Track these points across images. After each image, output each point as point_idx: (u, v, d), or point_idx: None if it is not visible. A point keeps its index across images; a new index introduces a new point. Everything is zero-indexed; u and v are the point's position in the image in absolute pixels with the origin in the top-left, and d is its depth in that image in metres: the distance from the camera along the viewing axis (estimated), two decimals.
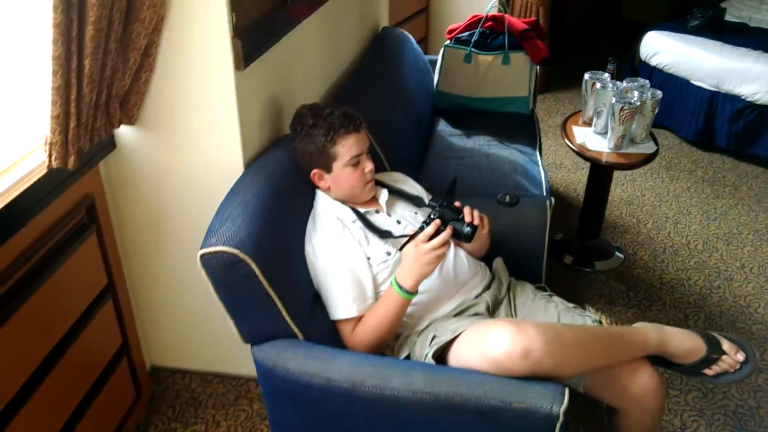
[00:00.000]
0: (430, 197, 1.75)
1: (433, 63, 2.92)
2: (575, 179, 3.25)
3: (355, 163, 1.56)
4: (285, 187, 1.54)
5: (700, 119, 3.51)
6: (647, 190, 3.15)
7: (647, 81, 2.39)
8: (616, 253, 2.66)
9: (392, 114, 2.28)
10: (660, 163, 3.42)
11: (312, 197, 1.63)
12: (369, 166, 1.59)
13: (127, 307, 1.74)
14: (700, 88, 3.49)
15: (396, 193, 1.69)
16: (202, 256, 1.30)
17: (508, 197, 1.87)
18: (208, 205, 1.46)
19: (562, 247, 2.69)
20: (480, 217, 1.50)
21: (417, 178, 2.31)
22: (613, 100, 2.21)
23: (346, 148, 1.54)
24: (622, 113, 2.20)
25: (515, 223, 1.84)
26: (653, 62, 3.75)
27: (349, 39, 2.45)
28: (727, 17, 3.88)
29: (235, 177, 1.52)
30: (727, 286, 2.48)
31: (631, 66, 4.02)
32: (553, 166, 3.40)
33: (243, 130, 1.54)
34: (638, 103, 2.21)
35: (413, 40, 2.93)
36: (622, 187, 3.15)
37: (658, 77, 3.75)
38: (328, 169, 1.56)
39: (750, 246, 2.72)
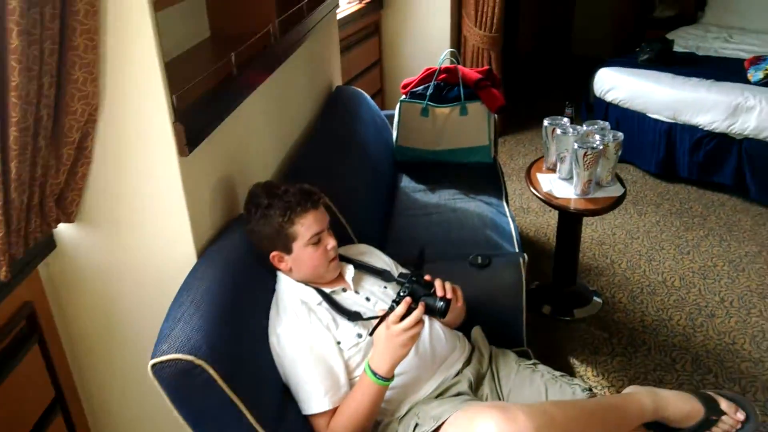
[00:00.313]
0: (400, 270, 1.67)
1: (391, 118, 2.88)
2: (544, 222, 3.20)
3: (317, 241, 1.47)
4: (243, 275, 1.44)
5: (661, 151, 3.53)
6: (617, 228, 3.11)
7: (607, 123, 2.37)
8: (594, 297, 2.60)
9: (353, 176, 2.21)
10: (627, 198, 3.37)
11: (273, 280, 1.53)
12: (331, 242, 1.49)
13: (81, 420, 1.59)
14: (657, 120, 3.52)
15: (363, 268, 1.60)
16: (153, 366, 1.18)
17: (480, 258, 1.79)
18: (162, 302, 1.34)
19: (539, 297, 2.61)
20: (453, 288, 1.42)
21: (385, 240, 2.25)
22: (576, 146, 2.17)
23: (305, 227, 1.45)
24: (585, 158, 2.16)
25: (490, 286, 1.76)
26: (608, 98, 3.77)
27: (302, 103, 2.39)
28: (676, 48, 3.94)
29: (188, 269, 1.41)
30: (710, 323, 2.42)
31: (586, 103, 4.05)
32: (521, 210, 3.35)
33: (193, 218, 1.44)
34: (601, 147, 2.18)
35: (368, 97, 2.89)
36: (592, 227, 3.11)
37: (615, 112, 3.77)
38: (287, 250, 1.46)
39: (726, 278, 2.68)
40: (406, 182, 2.71)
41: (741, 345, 2.30)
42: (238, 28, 1.95)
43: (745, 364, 2.21)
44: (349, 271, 1.55)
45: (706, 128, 3.31)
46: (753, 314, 2.45)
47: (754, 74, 3.33)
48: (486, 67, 2.81)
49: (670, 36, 4.37)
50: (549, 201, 2.27)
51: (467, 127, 2.72)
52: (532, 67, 5.40)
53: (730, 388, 2.11)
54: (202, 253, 1.47)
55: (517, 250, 2.11)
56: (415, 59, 4.14)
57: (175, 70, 1.54)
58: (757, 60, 3.45)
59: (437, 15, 4.04)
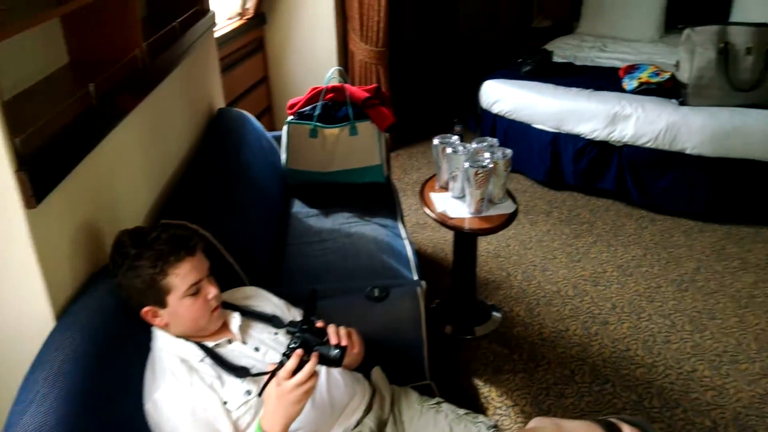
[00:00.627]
0: (292, 311, 1.55)
1: (279, 139, 2.76)
2: (441, 237, 3.19)
3: (195, 291, 1.32)
4: (110, 337, 1.27)
5: (547, 160, 3.62)
6: (511, 239, 3.15)
7: (495, 140, 2.37)
8: (494, 313, 2.59)
9: (238, 207, 2.07)
10: (518, 208, 3.45)
11: (149, 336, 1.37)
12: (212, 291, 1.36)
13: None
14: (542, 130, 3.61)
15: (250, 314, 1.47)
16: None
17: (376, 291, 1.71)
18: (14, 381, 1.15)
19: (440, 316, 2.58)
20: (348, 333, 1.32)
21: (278, 273, 2.12)
22: (466, 165, 2.15)
23: (181, 277, 1.30)
24: (477, 177, 2.14)
25: (388, 320, 1.68)
26: (494, 110, 3.84)
27: (180, 130, 2.21)
28: (555, 59, 4.08)
29: (45, 336, 1.22)
30: (604, 331, 2.48)
31: (474, 114, 4.10)
32: (418, 226, 3.32)
33: (48, 275, 1.25)
34: (491, 165, 2.17)
35: (253, 119, 2.74)
36: (487, 240, 3.12)
37: (502, 123, 3.84)
38: (162, 304, 1.31)
39: (616, 283, 2.77)
40: (299, 207, 2.59)
41: (635, 351, 2.36)
42: (101, 52, 1.76)
43: (640, 370, 2.26)
44: (235, 319, 1.42)
45: (588, 137, 3.43)
46: (643, 318, 2.54)
47: (629, 83, 3.49)
48: (374, 85, 2.75)
49: (549, 47, 4.52)
50: (444, 222, 2.23)
51: (358, 147, 2.65)
52: (420, 79, 5.43)
53: (627, 396, 2.15)
54: (62, 315, 1.29)
55: (415, 276, 2.05)
56: (303, 75, 4.03)
57: (21, 107, 1.35)
58: (630, 69, 3.62)
59: (322, 30, 3.95)
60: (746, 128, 3.07)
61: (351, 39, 4.01)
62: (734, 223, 3.21)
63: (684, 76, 3.25)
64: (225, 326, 1.41)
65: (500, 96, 3.78)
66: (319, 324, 1.29)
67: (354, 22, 3.94)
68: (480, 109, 4.02)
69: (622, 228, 3.23)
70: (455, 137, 2.42)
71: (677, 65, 3.34)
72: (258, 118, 3.85)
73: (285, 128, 2.65)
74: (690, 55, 3.20)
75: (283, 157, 2.67)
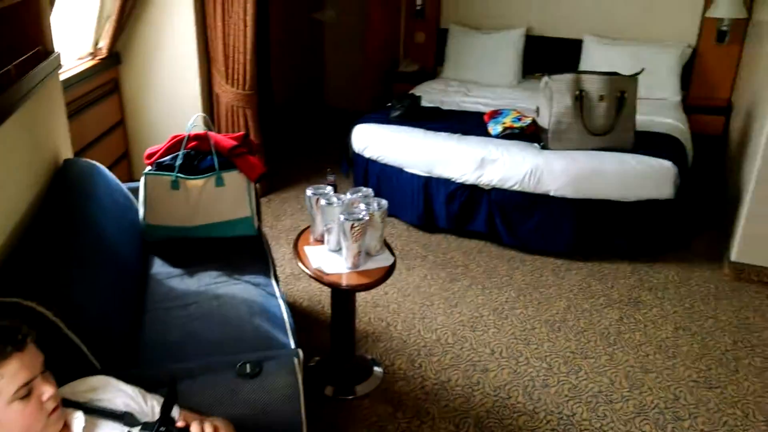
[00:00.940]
0: (149, 400, 1.35)
1: (137, 191, 2.51)
2: (317, 288, 3.05)
3: (26, 393, 1.11)
4: None
5: (420, 204, 3.63)
6: (389, 286, 3.09)
7: (370, 190, 2.30)
8: (375, 368, 2.49)
9: (86, 275, 1.82)
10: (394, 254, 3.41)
11: None
12: (48, 390, 1.14)
13: None
14: (414, 174, 3.62)
15: (96, 412, 1.25)
16: None
17: (248, 366, 1.55)
18: None
19: (320, 375, 2.43)
20: (214, 429, 1.16)
21: (136, 348, 1.88)
22: (342, 218, 2.06)
23: (7, 378, 1.09)
24: (353, 231, 2.05)
25: (263, 399, 1.51)
26: (366, 154, 3.81)
27: (16, 189, 1.93)
28: (423, 103, 4.14)
29: None
30: (485, 378, 2.45)
31: (346, 158, 4.05)
32: (292, 277, 3.17)
33: None
34: (367, 218, 2.09)
35: (105, 171, 2.48)
36: None
37: (375, 167, 3.81)
38: None
39: (493, 327, 2.78)
40: (159, 267, 2.36)
41: (516, 398, 2.35)
42: None
43: (523, 419, 2.25)
44: (78, 420, 1.20)
45: (458, 180, 3.48)
46: (521, 363, 2.55)
47: (494, 128, 3.59)
48: (241, 132, 2.60)
49: (416, 91, 4.60)
50: (320, 278, 2.11)
51: (225, 198, 2.47)
52: (290, 121, 5.33)
53: None
54: None
55: (291, 341, 1.90)
56: (164, 118, 3.79)
57: None
58: (495, 114, 3.74)
59: (184, 71, 3.75)
60: (602, 170, 3.25)
61: (216, 81, 3.84)
62: (597, 260, 3.37)
63: (544, 121, 3.40)
64: (66, 429, 1.19)
65: (371, 140, 3.76)
66: (180, 424, 1.12)
67: (219, 63, 3.78)
68: (352, 152, 3.97)
69: (495, 270, 3.28)
70: (329, 188, 2.32)
71: (537, 111, 3.49)
72: (114, 165, 3.57)
73: (142, 180, 2.42)
74: (549, 101, 3.35)
75: (141, 211, 2.44)
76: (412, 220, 3.70)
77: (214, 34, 3.72)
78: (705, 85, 4.58)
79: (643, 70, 3.50)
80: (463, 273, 3.24)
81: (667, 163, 3.21)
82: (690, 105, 4.38)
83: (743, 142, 3.57)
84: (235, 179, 2.48)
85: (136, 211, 2.48)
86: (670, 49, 4.44)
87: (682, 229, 3.47)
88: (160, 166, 2.45)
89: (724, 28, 4.38)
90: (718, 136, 4.38)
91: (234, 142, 2.51)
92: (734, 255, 3.17)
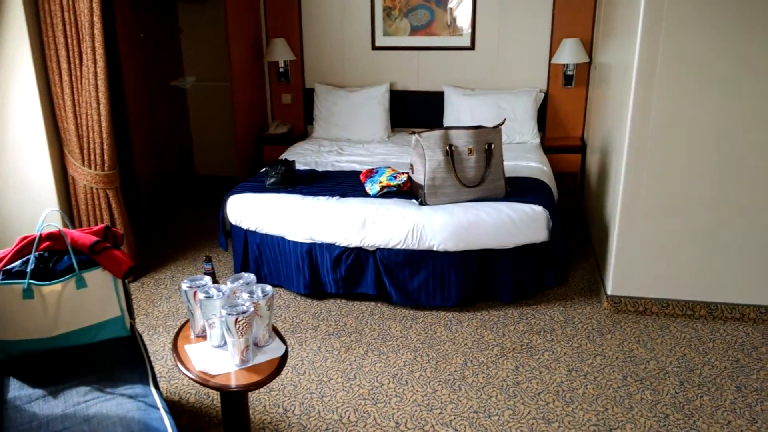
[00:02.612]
0: None
1: None
2: None
3: None
4: None
5: (306, 272, 3.52)
6: None
7: (252, 276, 2.17)
8: None
9: None
10: (283, 327, 3.27)
11: None
12: None
13: None
14: (297, 242, 3.51)
15: None
16: None
17: None
18: None
19: None
20: None
21: None
22: (224, 313, 1.91)
23: None
24: (238, 325, 1.91)
25: None
26: (244, 226, 3.65)
27: None
28: (298, 166, 4.07)
29: None
30: None
31: (223, 231, 3.87)
32: (175, 370, 2.92)
33: None
34: (252, 310, 1.95)
35: None
36: None
37: (254, 238, 3.66)
38: None
39: (395, 396, 2.69)
40: (17, 390, 2.06)
41: None
42: None
43: None
44: None
45: (342, 244, 3.41)
46: None
47: (371, 187, 3.58)
48: (101, 225, 2.38)
49: (289, 153, 4.54)
50: (205, 382, 1.93)
51: (89, 301, 2.23)
52: (158, 195, 5.05)
53: None
54: None
55: None
56: (14, 210, 3.46)
57: None
58: (370, 173, 3.73)
59: (33, 155, 3.44)
60: (479, 221, 3.31)
61: (70, 163, 3.55)
62: (486, 309, 3.41)
63: (419, 177, 3.44)
64: None
65: (248, 211, 3.62)
66: None
67: (72, 144, 3.50)
68: (228, 225, 3.80)
69: (389, 332, 3.22)
70: (206, 278, 2.16)
71: (412, 168, 3.53)
72: None
73: None
74: (421, 158, 3.39)
75: None
76: (299, 289, 3.57)
77: (64, 113, 3.45)
78: (559, 126, 4.89)
79: (504, 120, 3.66)
80: (357, 340, 3.15)
81: (538, 208, 3.34)
82: (548, 146, 4.65)
83: (602, 177, 3.81)
84: (99, 278, 2.25)
85: None
86: (524, 95, 4.71)
87: (559, 268, 3.62)
88: (8, 274, 2.17)
89: (570, 73, 4.73)
90: (576, 173, 4.67)
91: (94, 238, 2.28)
92: (610, 289, 3.33)
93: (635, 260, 3.25)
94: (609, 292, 3.35)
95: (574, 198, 4.73)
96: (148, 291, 3.71)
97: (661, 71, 2.93)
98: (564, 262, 3.59)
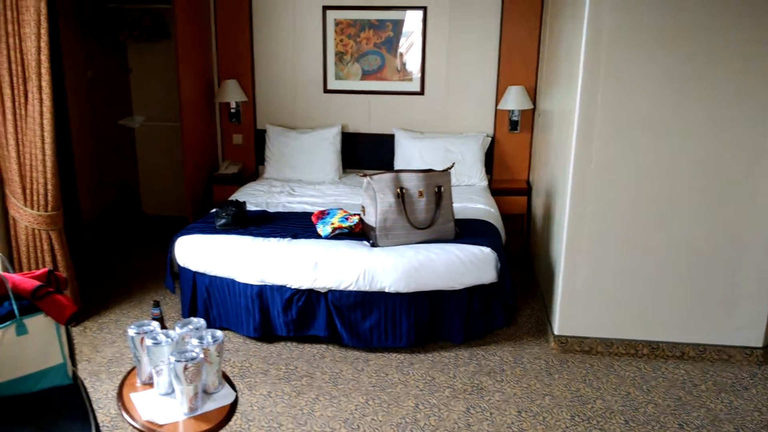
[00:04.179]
0: None
1: None
2: None
3: None
4: None
5: (256, 314, 3.47)
6: None
7: (202, 321, 2.14)
8: None
9: None
10: (232, 372, 3.20)
11: None
12: None
13: None
14: (247, 284, 3.47)
15: None
16: None
17: None
18: None
19: None
20: None
21: None
22: (173, 360, 1.87)
23: None
24: (187, 372, 1.87)
25: None
26: (193, 268, 3.60)
27: None
28: (249, 207, 4.04)
29: None
30: None
31: (170, 272, 3.79)
32: (119, 419, 2.82)
33: None
34: (202, 356, 1.92)
35: None
36: None
37: (203, 279, 3.61)
38: None
39: None
40: None
41: None
42: None
43: None
44: None
45: (293, 286, 3.40)
46: None
47: (323, 229, 3.59)
48: (44, 269, 2.31)
49: (240, 193, 4.52)
50: None
51: (30, 348, 2.15)
52: (103, 236, 4.93)
53: None
54: None
55: None
56: None
57: None
58: (322, 215, 3.75)
59: None
60: (430, 262, 3.36)
61: (11, 204, 3.45)
62: (437, 350, 3.44)
63: (371, 219, 3.47)
64: None
65: (197, 253, 3.57)
66: None
67: (14, 184, 3.41)
68: (176, 266, 3.73)
69: (341, 375, 3.20)
70: (154, 323, 2.12)
71: (363, 210, 3.56)
72: None
73: None
74: (373, 201, 3.44)
75: None
76: (249, 332, 3.52)
77: (6, 153, 3.37)
78: (506, 169, 5.04)
79: (453, 165, 3.76)
80: (308, 384, 3.11)
81: (486, 250, 3.42)
82: (495, 188, 4.78)
83: (547, 220, 3.94)
84: (40, 324, 2.18)
85: None
86: (472, 139, 4.85)
87: (507, 308, 3.68)
88: None
89: (515, 119, 4.90)
90: (523, 215, 4.80)
91: (36, 282, 2.21)
92: (557, 329, 3.41)
93: (579, 300, 3.34)
94: (556, 332, 3.43)
95: (520, 239, 4.85)
96: (91, 336, 3.59)
97: (601, 119, 3.08)
98: (512, 302, 3.66)
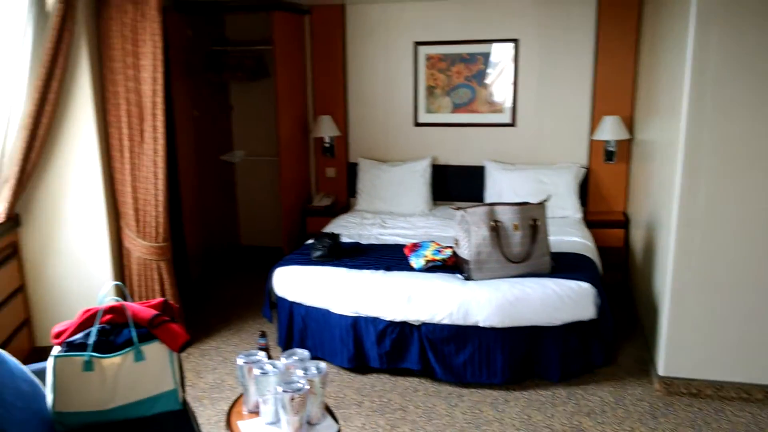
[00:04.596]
0: None
1: (41, 373, 2.27)
2: None
3: None
4: None
5: (350, 345, 3.52)
6: None
7: (306, 352, 2.20)
8: None
9: None
10: (327, 402, 3.24)
11: None
12: None
13: None
14: (341, 315, 3.53)
15: None
16: None
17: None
18: None
19: None
20: None
21: None
22: (280, 390, 1.93)
23: None
24: (293, 403, 1.93)
25: None
26: (290, 298, 3.71)
27: None
28: (342, 238, 4.13)
29: None
30: None
31: (269, 302, 3.92)
32: None
33: None
34: (307, 388, 1.97)
35: (6, 357, 2.22)
36: None
37: (299, 310, 3.71)
38: None
39: None
40: None
41: None
42: None
43: None
44: None
45: (387, 318, 3.43)
46: None
47: (416, 262, 3.61)
48: (160, 299, 2.46)
49: (333, 225, 4.63)
50: None
51: (146, 374, 2.28)
52: (205, 265, 5.16)
53: None
54: None
55: None
56: (70, 280, 3.57)
57: None
58: (415, 247, 3.78)
59: (92, 228, 3.58)
60: (525, 297, 3.30)
61: (126, 236, 3.68)
62: (533, 387, 3.35)
63: (464, 252, 3.46)
64: None
65: (294, 283, 3.68)
66: None
67: (128, 217, 3.65)
68: (274, 296, 3.86)
69: (434, 409, 3.18)
70: (261, 353, 2.20)
71: (456, 243, 3.56)
72: (13, 335, 3.27)
73: (50, 363, 2.19)
74: (467, 234, 3.43)
75: (50, 399, 2.19)
76: (343, 362, 3.57)
77: (123, 188, 3.62)
78: (601, 201, 4.90)
79: (549, 197, 3.70)
80: (402, 417, 3.11)
81: (585, 285, 3.32)
82: (590, 220, 4.65)
83: (649, 254, 3.78)
84: (156, 351, 2.31)
85: (43, 398, 2.23)
86: (565, 170, 4.76)
87: (607, 346, 3.55)
88: (71, 346, 2.24)
89: (611, 149, 4.77)
90: (620, 248, 4.64)
91: (154, 311, 2.35)
92: (661, 369, 3.25)
93: (687, 340, 3.17)
94: (660, 373, 3.26)
95: (618, 273, 4.68)
96: (194, 362, 3.75)
97: (708, 151, 2.95)
98: (612, 339, 3.52)
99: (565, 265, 3.54)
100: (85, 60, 3.39)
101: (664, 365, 3.24)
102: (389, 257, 3.82)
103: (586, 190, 4.89)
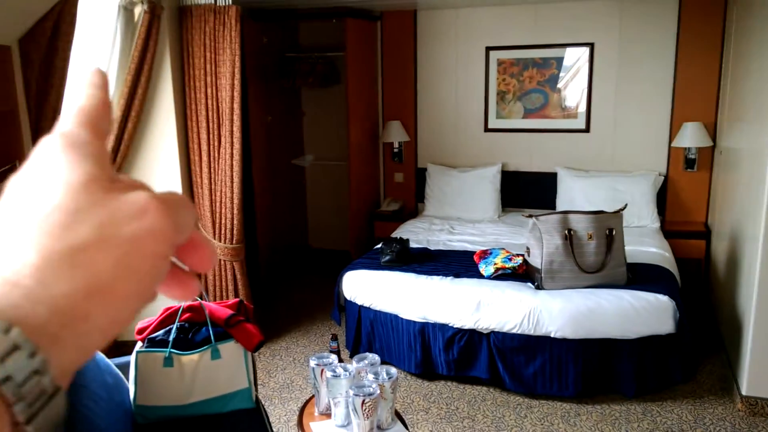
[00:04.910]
0: None
1: (124, 367, 2.37)
2: None
3: None
4: None
5: (418, 351, 3.52)
6: None
7: (376, 357, 2.21)
8: None
9: None
10: (397, 408, 3.24)
11: None
12: None
13: None
14: (410, 321, 3.53)
15: None
16: None
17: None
18: None
19: None
20: None
21: None
22: (351, 394, 1.95)
23: None
24: (365, 407, 1.94)
25: None
26: (359, 302, 3.73)
27: None
28: (410, 244, 4.13)
29: None
30: None
31: (337, 305, 3.97)
32: None
33: None
34: (378, 392, 1.98)
35: (99, 355, 2.35)
36: None
37: (368, 314, 3.73)
38: None
39: None
40: None
41: None
42: None
43: None
44: None
45: (455, 325, 3.40)
46: None
47: (486, 268, 3.57)
48: (236, 299, 2.53)
49: (401, 230, 4.63)
50: None
51: (222, 372, 2.35)
52: (275, 267, 5.28)
53: None
54: None
55: None
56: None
57: None
58: (484, 254, 3.74)
59: None
60: (600, 309, 3.21)
61: None
62: (606, 402, 3.25)
63: (536, 261, 3.40)
64: None
65: (362, 287, 3.71)
66: None
67: (205, 219, 3.77)
68: (343, 300, 3.90)
69: (503, 420, 3.13)
70: (332, 356, 2.22)
71: (528, 251, 3.50)
72: None
73: (133, 358, 2.29)
74: (539, 242, 3.36)
75: (132, 392, 2.29)
76: (410, 368, 3.57)
77: (200, 191, 3.74)
78: (680, 211, 4.70)
79: (626, 206, 3.59)
80: (470, 426, 3.08)
81: (663, 298, 3.20)
82: (668, 230, 4.47)
83: (732, 267, 3.60)
84: (231, 350, 2.37)
85: (125, 390, 2.32)
86: (643, 178, 4.60)
87: (686, 362, 3.40)
88: (152, 342, 2.33)
89: (692, 157, 4.58)
90: (700, 260, 4.44)
91: (230, 311, 2.42)
92: (745, 389, 3.09)
93: None
94: (744, 393, 3.10)
95: (698, 286, 4.48)
96: (265, 361, 3.83)
97: None
98: (691, 353, 3.37)
99: (641, 277, 3.42)
100: (168, 67, 3.53)
101: (747, 384, 3.07)
102: (458, 264, 3.79)
103: (664, 198, 4.71)
